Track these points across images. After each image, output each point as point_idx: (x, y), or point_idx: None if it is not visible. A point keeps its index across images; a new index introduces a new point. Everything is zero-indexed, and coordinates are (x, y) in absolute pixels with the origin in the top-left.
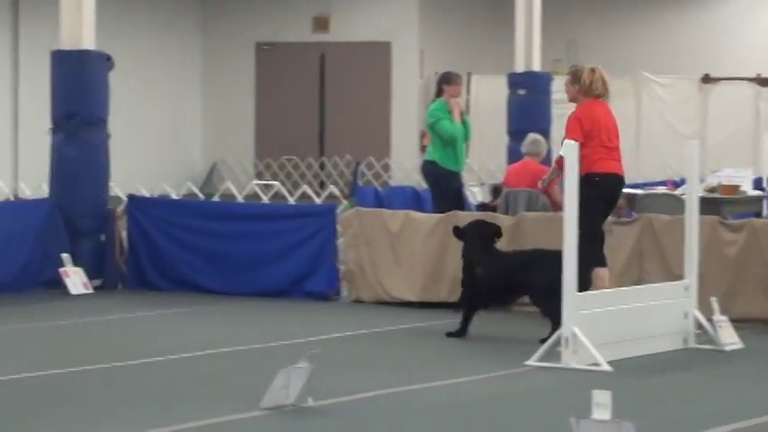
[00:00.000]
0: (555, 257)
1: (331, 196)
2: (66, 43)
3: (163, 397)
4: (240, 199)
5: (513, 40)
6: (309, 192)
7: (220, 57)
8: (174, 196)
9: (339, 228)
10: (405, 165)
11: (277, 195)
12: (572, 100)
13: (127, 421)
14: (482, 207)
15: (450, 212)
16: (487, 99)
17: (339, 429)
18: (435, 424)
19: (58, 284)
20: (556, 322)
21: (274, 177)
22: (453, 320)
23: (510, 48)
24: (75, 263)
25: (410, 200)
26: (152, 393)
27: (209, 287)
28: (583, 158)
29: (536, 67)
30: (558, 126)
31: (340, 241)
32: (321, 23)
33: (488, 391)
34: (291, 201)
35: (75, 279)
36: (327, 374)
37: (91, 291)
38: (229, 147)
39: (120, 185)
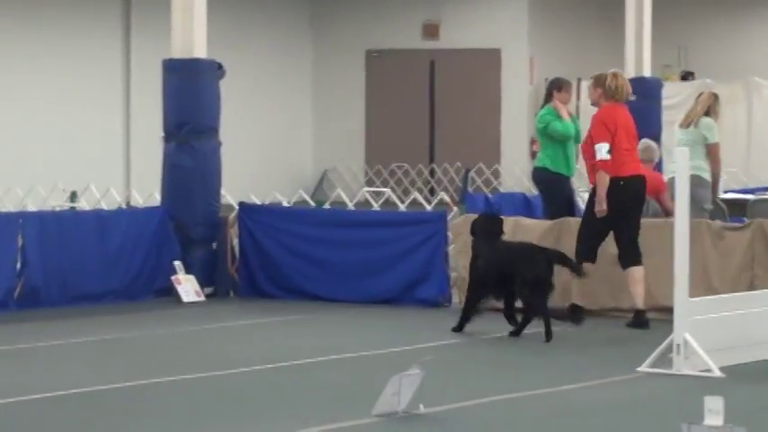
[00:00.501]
0: (540, 251)
1: (441, 203)
2: (178, 52)
3: (274, 404)
4: (351, 206)
5: (623, 46)
6: (420, 198)
7: (330, 64)
8: (284, 204)
9: (450, 234)
10: (515, 171)
11: (387, 202)
12: (594, 103)
13: (238, 429)
14: None
15: (561, 219)
16: None
17: None
18: (546, 431)
19: (169, 292)
20: (531, 312)
21: (385, 184)
22: (564, 326)
23: (620, 53)
24: (187, 271)
25: (520, 206)
26: (263, 401)
27: (321, 294)
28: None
29: (646, 72)
30: (668, 133)
31: (451, 248)
32: (431, 30)
33: (599, 397)
34: (402, 208)
35: (187, 287)
36: (438, 381)
37: (202, 299)
38: (340, 154)
39: (231, 193)
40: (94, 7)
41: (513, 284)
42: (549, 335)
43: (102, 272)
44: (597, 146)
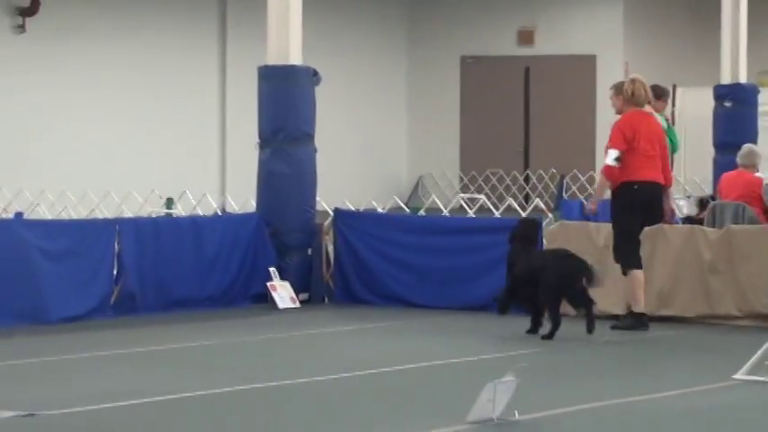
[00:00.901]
0: (564, 258)
1: (536, 209)
2: (274, 59)
3: (369, 410)
4: (445, 213)
5: (718, 52)
6: (514, 205)
7: (426, 70)
8: (380, 210)
9: (545, 241)
10: None
11: (482, 209)
12: (619, 112)
13: None
14: (688, 220)
15: (656, 226)
16: (693, 111)
17: None
18: None
19: (265, 299)
20: (554, 323)
21: (479, 191)
22: (659, 333)
23: (715, 59)
24: (282, 277)
25: None
26: (358, 407)
27: (415, 301)
28: (624, 167)
29: (742, 78)
30: (764, 138)
31: None
32: (526, 37)
33: (695, 405)
34: (497, 214)
35: (283, 293)
36: (533, 388)
37: (297, 305)
38: (434, 160)
39: (326, 200)
40: (191, 15)
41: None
42: (551, 336)
43: (198, 278)
44: (608, 151)
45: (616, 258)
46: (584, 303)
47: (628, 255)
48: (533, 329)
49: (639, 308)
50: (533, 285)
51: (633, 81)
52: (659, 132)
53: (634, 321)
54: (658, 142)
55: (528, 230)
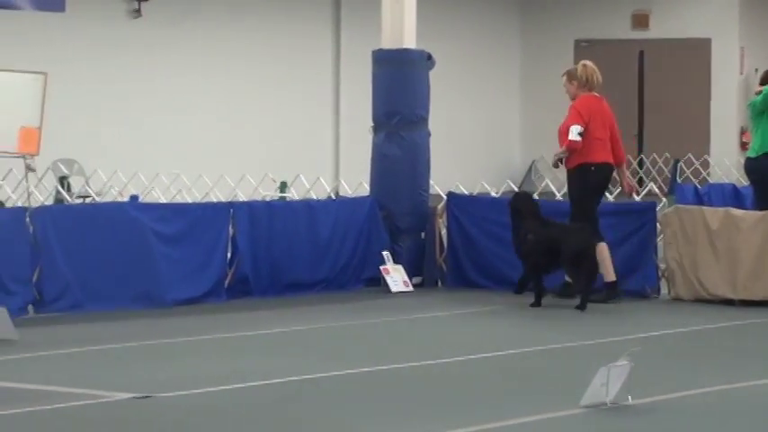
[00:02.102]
0: (582, 230)
1: (650, 194)
2: (388, 43)
3: (481, 394)
4: (559, 196)
5: None
6: None
7: (539, 54)
8: (493, 194)
9: (659, 225)
10: (724, 162)
11: None
12: (573, 98)
13: (447, 418)
14: None
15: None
16: None
17: (658, 428)
18: (759, 425)
19: (378, 282)
20: (580, 288)
21: None
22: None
23: None
24: (396, 260)
25: (729, 197)
26: (470, 390)
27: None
28: (580, 149)
29: None
30: None
31: (659, 239)
32: (640, 20)
33: None
34: (610, 198)
35: (396, 277)
36: (647, 372)
37: (410, 289)
38: (548, 144)
39: (439, 183)
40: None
41: (555, 259)
42: (583, 307)
43: (312, 261)
44: (571, 128)
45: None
46: (590, 276)
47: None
48: (538, 302)
49: (611, 277)
50: (547, 257)
51: (585, 66)
52: (611, 116)
53: (609, 291)
54: (610, 125)
55: (524, 204)
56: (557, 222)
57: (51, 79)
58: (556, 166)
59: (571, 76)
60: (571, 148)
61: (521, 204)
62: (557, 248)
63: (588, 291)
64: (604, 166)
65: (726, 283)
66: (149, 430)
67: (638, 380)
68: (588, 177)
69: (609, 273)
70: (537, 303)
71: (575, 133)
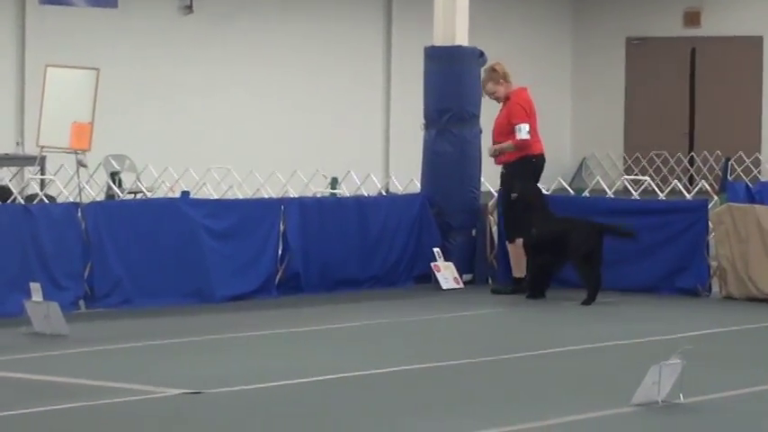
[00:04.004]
0: (590, 226)
1: (701, 192)
2: (440, 39)
3: (532, 391)
4: (609, 194)
5: None
6: (679, 187)
7: (590, 51)
8: (544, 191)
9: (710, 224)
10: None
11: (645, 191)
12: (503, 98)
13: (497, 415)
14: None
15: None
16: None
17: (710, 427)
18: None
19: (428, 279)
20: (590, 288)
21: (643, 172)
22: None
23: None
24: (446, 257)
25: None
26: (521, 388)
27: (578, 282)
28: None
29: None
30: None
31: (711, 237)
32: (692, 18)
33: None
34: (661, 196)
35: (446, 274)
36: (698, 371)
37: (461, 286)
38: (598, 141)
39: (490, 180)
40: None
41: (561, 254)
42: (590, 302)
43: (362, 258)
44: (518, 126)
45: (514, 227)
46: (597, 268)
47: (523, 223)
48: (537, 294)
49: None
50: (552, 252)
51: (498, 64)
52: (534, 106)
53: (516, 286)
54: (536, 115)
55: (533, 197)
56: (564, 217)
57: (103, 75)
58: (494, 155)
59: (496, 76)
60: (522, 147)
61: (530, 197)
62: (563, 244)
63: (598, 287)
64: (542, 156)
65: None
66: (199, 426)
67: (690, 378)
68: (530, 168)
69: (521, 269)
70: (533, 295)
71: (524, 132)
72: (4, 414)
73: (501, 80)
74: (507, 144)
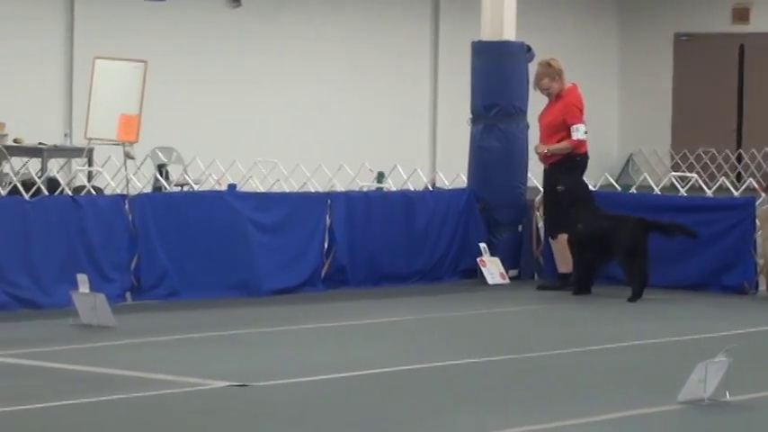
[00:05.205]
0: (636, 222)
1: (748, 189)
2: (487, 34)
3: (577, 388)
4: (656, 191)
5: None
6: (726, 184)
7: (638, 47)
8: (591, 187)
9: (757, 221)
10: None
11: (692, 188)
12: (556, 92)
13: (543, 411)
14: None
15: None
16: None
17: (756, 425)
18: None
19: (474, 274)
20: (635, 285)
21: (690, 169)
22: None
23: None
24: (492, 253)
25: None
26: (566, 385)
27: (623, 279)
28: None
29: None
30: None
31: (758, 234)
32: (741, 14)
33: None
34: (709, 193)
35: (492, 269)
36: (745, 369)
37: (507, 281)
38: (646, 138)
39: (537, 176)
40: None
41: (607, 251)
42: (635, 298)
43: (408, 252)
44: (575, 126)
45: (556, 223)
46: (644, 269)
47: (566, 219)
48: (583, 290)
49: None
50: (597, 248)
51: (554, 60)
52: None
53: (562, 282)
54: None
55: (581, 193)
56: (610, 214)
57: (151, 68)
58: (545, 154)
59: (552, 74)
60: (577, 147)
61: (577, 191)
62: (608, 240)
63: (644, 283)
64: (586, 155)
65: None
66: (245, 419)
67: (736, 376)
68: (581, 167)
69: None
70: (579, 292)
71: (581, 132)
72: (51, 405)
73: (556, 76)
74: (564, 144)
